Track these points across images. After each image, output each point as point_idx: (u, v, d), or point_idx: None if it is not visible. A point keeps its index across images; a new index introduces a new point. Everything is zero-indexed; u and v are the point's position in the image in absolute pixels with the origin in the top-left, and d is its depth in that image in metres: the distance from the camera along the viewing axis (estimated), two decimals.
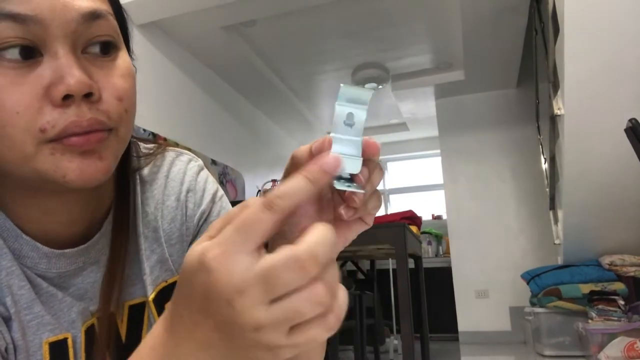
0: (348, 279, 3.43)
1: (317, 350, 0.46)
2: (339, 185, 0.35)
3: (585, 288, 3.23)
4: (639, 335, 2.70)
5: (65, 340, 0.49)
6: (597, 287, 3.21)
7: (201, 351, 0.33)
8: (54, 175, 0.42)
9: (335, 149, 0.35)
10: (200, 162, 0.63)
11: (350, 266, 4.02)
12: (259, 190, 4.47)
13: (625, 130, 1.70)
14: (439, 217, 5.88)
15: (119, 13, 0.49)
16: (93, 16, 0.43)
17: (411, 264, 2.79)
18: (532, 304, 3.64)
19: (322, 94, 5.08)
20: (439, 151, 5.08)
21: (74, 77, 0.40)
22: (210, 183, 0.62)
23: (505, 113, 4.77)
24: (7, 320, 0.45)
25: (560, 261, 3.69)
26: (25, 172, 0.43)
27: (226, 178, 4.17)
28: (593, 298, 3.09)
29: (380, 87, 4.61)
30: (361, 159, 0.36)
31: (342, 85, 0.36)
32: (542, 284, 3.49)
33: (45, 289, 0.49)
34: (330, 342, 2.68)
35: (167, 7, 3.15)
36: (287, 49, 4.04)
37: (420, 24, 3.73)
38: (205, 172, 0.63)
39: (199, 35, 3.65)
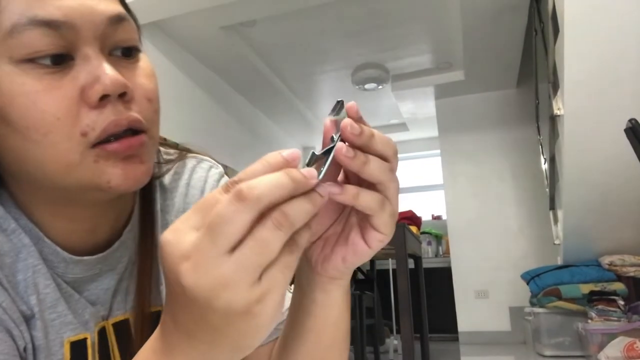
0: None
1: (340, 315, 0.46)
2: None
3: (585, 288, 3.23)
4: (638, 335, 2.70)
5: (85, 340, 0.49)
6: (597, 287, 3.21)
7: (188, 345, 0.32)
8: (98, 182, 0.42)
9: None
10: (220, 169, 0.63)
11: None
12: None
13: (625, 130, 1.70)
14: (438, 217, 5.87)
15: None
16: (118, 19, 0.44)
17: (411, 264, 2.79)
18: (532, 304, 3.64)
19: (322, 94, 5.07)
20: (438, 151, 5.08)
21: (108, 77, 0.40)
22: None
23: (505, 113, 4.77)
24: (29, 319, 0.45)
25: (560, 261, 3.69)
26: (68, 183, 0.42)
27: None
28: (593, 298, 3.08)
29: (380, 87, 4.60)
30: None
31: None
32: (542, 284, 3.49)
33: (65, 288, 0.49)
34: None
35: (167, 7, 3.14)
36: (287, 49, 4.04)
37: (420, 24, 3.73)
38: (225, 179, 0.62)
39: (199, 35, 3.65)
